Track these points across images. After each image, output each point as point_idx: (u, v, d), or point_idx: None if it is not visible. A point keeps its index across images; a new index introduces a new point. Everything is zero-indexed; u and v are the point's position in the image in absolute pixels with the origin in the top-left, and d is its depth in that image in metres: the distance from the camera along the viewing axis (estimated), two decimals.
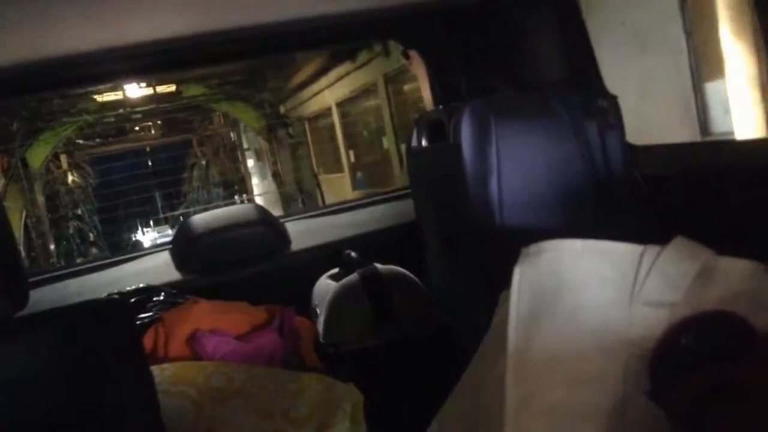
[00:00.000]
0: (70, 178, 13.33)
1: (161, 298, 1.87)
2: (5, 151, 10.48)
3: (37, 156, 11.03)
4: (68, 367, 1.04)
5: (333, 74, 10.13)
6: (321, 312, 1.85)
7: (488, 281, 1.14)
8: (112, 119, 12.09)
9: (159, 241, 11.71)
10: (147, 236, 15.74)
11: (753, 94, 1.64)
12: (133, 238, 15.38)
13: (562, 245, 1.04)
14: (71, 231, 13.07)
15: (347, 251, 2.01)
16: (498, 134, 1.47)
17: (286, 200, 12.86)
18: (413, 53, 2.07)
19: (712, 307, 0.90)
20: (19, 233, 10.20)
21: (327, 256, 2.10)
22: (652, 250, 1.00)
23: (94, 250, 13.19)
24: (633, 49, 1.52)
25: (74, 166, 13.57)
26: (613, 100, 1.55)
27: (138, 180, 15.25)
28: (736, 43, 1.64)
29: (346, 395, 1.52)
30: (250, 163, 14.93)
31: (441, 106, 1.94)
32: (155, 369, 1.48)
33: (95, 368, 1.04)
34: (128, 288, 1.93)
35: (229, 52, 1.93)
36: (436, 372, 1.39)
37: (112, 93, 10.73)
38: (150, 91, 11.05)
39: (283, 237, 2.17)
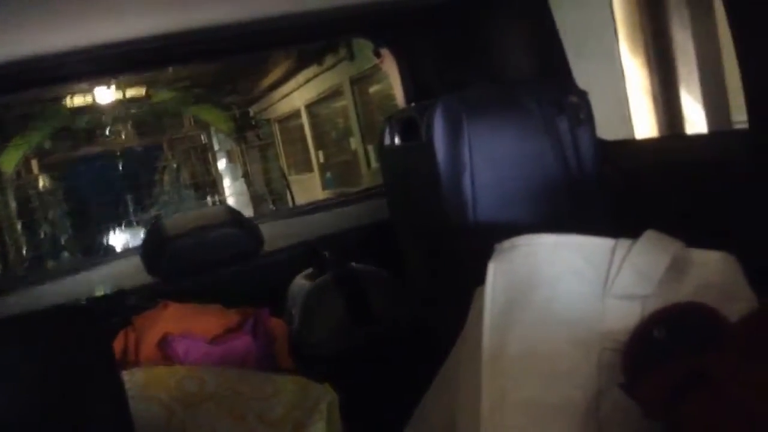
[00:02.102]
0: (41, 182, 13.16)
1: (132, 302, 1.85)
2: None
3: (9, 161, 10.87)
4: (37, 373, 1.02)
5: (301, 77, 10.12)
6: (296, 313, 1.84)
7: (463, 278, 1.14)
8: (83, 124, 11.95)
9: (131, 244, 11.63)
10: (118, 239, 15.58)
11: (648, 104, 1.80)
12: (105, 243, 15.21)
13: (535, 240, 1.04)
14: (43, 236, 12.90)
15: (322, 251, 2.00)
16: (470, 131, 1.47)
17: (257, 201, 12.80)
18: (385, 51, 2.07)
19: (684, 299, 0.91)
20: None
21: (301, 255, 2.09)
22: (623, 243, 1.01)
23: (65, 254, 13.03)
24: (572, 54, 1.57)
25: (45, 171, 13.40)
26: (583, 95, 1.56)
27: (109, 183, 15.08)
28: (632, 59, 1.80)
29: (322, 396, 1.50)
30: (222, 164, 14.83)
31: (413, 104, 1.94)
32: (126, 374, 1.45)
33: (64, 374, 1.02)
34: (99, 292, 1.91)
35: (199, 51, 1.91)
36: (412, 370, 1.38)
37: (81, 96, 10.58)
38: (119, 95, 10.92)
39: (256, 238, 2.15)
